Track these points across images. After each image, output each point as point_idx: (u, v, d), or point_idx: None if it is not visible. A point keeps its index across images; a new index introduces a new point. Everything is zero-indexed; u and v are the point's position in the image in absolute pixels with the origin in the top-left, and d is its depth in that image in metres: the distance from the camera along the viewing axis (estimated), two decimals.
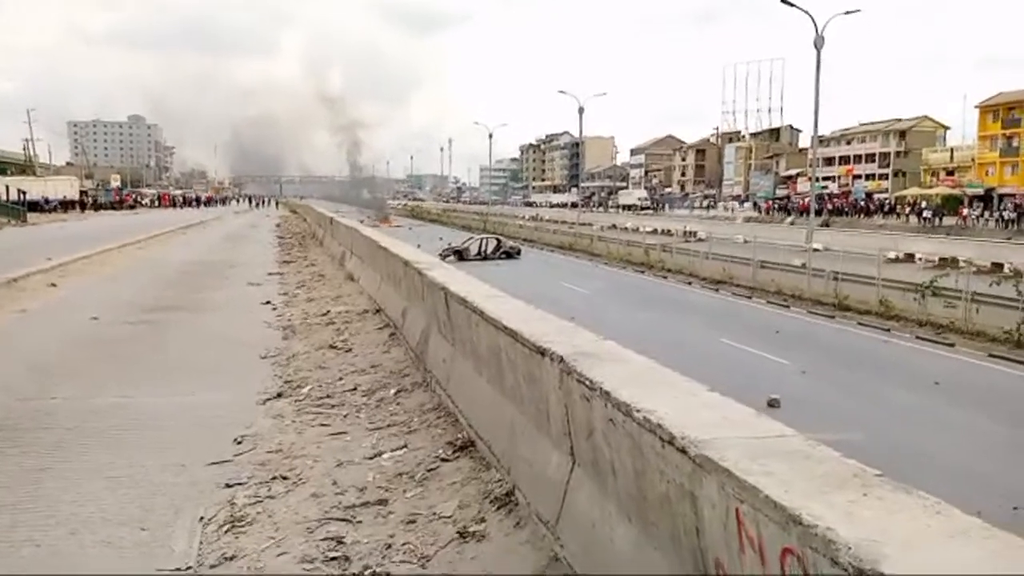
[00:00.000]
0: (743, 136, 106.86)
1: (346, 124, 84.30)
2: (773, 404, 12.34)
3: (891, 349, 17.73)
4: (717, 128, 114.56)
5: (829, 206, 66.79)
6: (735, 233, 43.79)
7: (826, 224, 54.68)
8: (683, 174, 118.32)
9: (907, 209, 61.45)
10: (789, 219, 63.88)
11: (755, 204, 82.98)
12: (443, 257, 32.72)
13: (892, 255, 30.11)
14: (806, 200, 53.89)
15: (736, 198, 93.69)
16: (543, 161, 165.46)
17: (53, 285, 13.65)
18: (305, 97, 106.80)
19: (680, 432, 2.38)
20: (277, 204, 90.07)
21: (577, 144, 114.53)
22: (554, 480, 3.64)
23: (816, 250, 30.44)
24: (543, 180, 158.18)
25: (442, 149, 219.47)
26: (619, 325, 18.42)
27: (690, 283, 28.81)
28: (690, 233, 46.10)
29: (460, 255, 34.98)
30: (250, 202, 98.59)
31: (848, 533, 1.67)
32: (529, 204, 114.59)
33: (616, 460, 2.93)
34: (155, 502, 4.53)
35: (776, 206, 77.49)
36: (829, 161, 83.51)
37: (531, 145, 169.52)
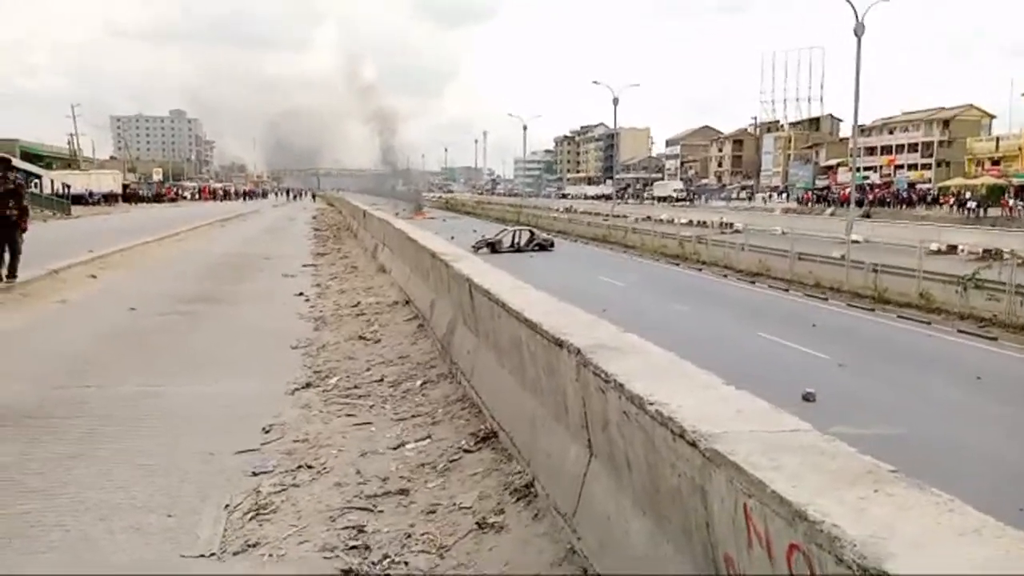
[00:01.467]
0: (782, 126, 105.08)
1: (380, 116, 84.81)
2: (808, 398, 12.15)
3: (932, 343, 17.34)
4: (755, 118, 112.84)
5: (870, 197, 65.44)
6: (772, 224, 43.20)
7: (867, 215, 53.59)
8: (720, 165, 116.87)
9: (951, 200, 59.94)
10: (829, 210, 62.74)
11: (789, 195, 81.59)
12: (476, 249, 32.77)
13: (934, 247, 29.46)
14: (846, 190, 52.81)
15: (775, 189, 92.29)
16: (578, 153, 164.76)
17: (93, 276, 13.95)
18: (340, 90, 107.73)
19: (691, 426, 2.35)
20: (314, 197, 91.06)
21: (612, 136, 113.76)
22: (572, 472, 3.62)
23: (856, 242, 29.91)
24: (578, 172, 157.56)
25: (476, 141, 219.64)
26: (653, 318, 18.28)
27: (726, 275, 28.48)
28: (726, 225, 45.61)
29: (493, 247, 35.02)
30: (288, 195, 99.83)
31: (855, 530, 1.63)
32: (564, 196, 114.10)
33: (630, 453, 2.90)
34: (183, 489, 4.60)
35: (816, 197, 76.16)
36: (871, 151, 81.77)
37: (565, 137, 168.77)
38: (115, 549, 3.86)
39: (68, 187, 54.01)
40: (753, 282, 26.62)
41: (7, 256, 11.70)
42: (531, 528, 3.78)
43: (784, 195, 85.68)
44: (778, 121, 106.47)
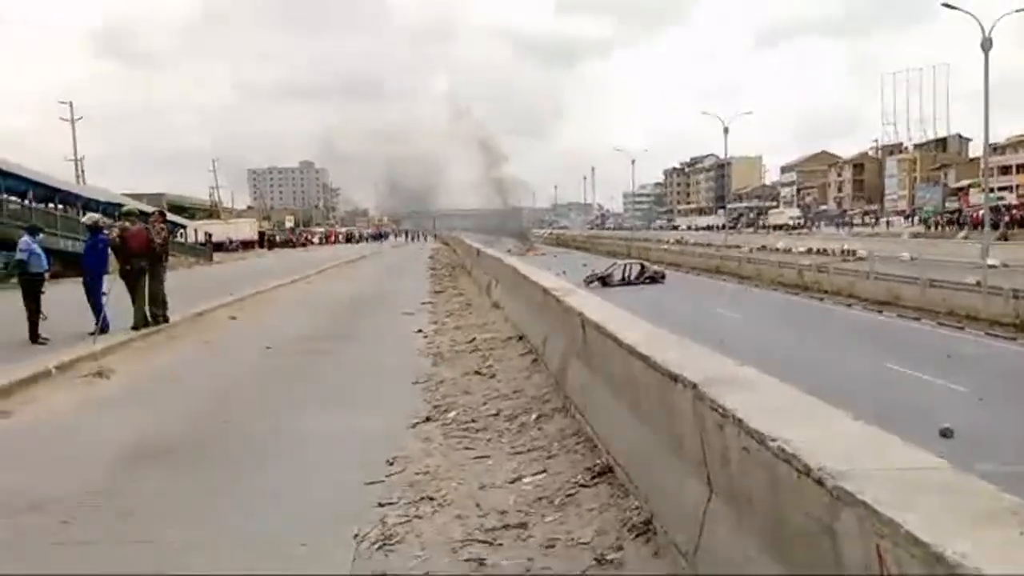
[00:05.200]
0: (905, 148, 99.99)
1: (491, 156, 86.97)
2: (946, 434, 11.44)
3: None
4: (876, 140, 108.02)
5: (1007, 218, 60.96)
6: (899, 250, 40.98)
7: (1004, 237, 49.91)
8: (839, 190, 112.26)
9: None
10: (962, 233, 58.89)
11: (924, 220, 77.13)
12: (587, 284, 32.81)
13: None
14: (979, 212, 49.46)
15: (900, 213, 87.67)
16: (688, 184, 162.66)
17: (233, 318, 14.93)
18: (452, 133, 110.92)
19: (816, 463, 2.30)
20: (429, 238, 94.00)
21: (722, 165, 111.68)
22: (691, 510, 3.57)
23: (992, 266, 27.93)
24: (688, 203, 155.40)
25: (585, 178, 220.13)
26: (772, 350, 17.68)
27: (850, 304, 27.26)
28: (849, 252, 43.59)
29: (604, 281, 35.01)
30: (407, 236, 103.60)
31: (997, 573, 1.56)
32: (674, 228, 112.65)
33: (752, 490, 2.85)
34: (314, 519, 4.82)
35: (946, 220, 71.74)
36: (1005, 170, 76.53)
37: (675, 169, 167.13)
38: None
39: (210, 235, 58.06)
40: (880, 311, 25.34)
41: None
42: (651, 565, 3.75)
43: (911, 219, 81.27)
44: (901, 143, 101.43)
